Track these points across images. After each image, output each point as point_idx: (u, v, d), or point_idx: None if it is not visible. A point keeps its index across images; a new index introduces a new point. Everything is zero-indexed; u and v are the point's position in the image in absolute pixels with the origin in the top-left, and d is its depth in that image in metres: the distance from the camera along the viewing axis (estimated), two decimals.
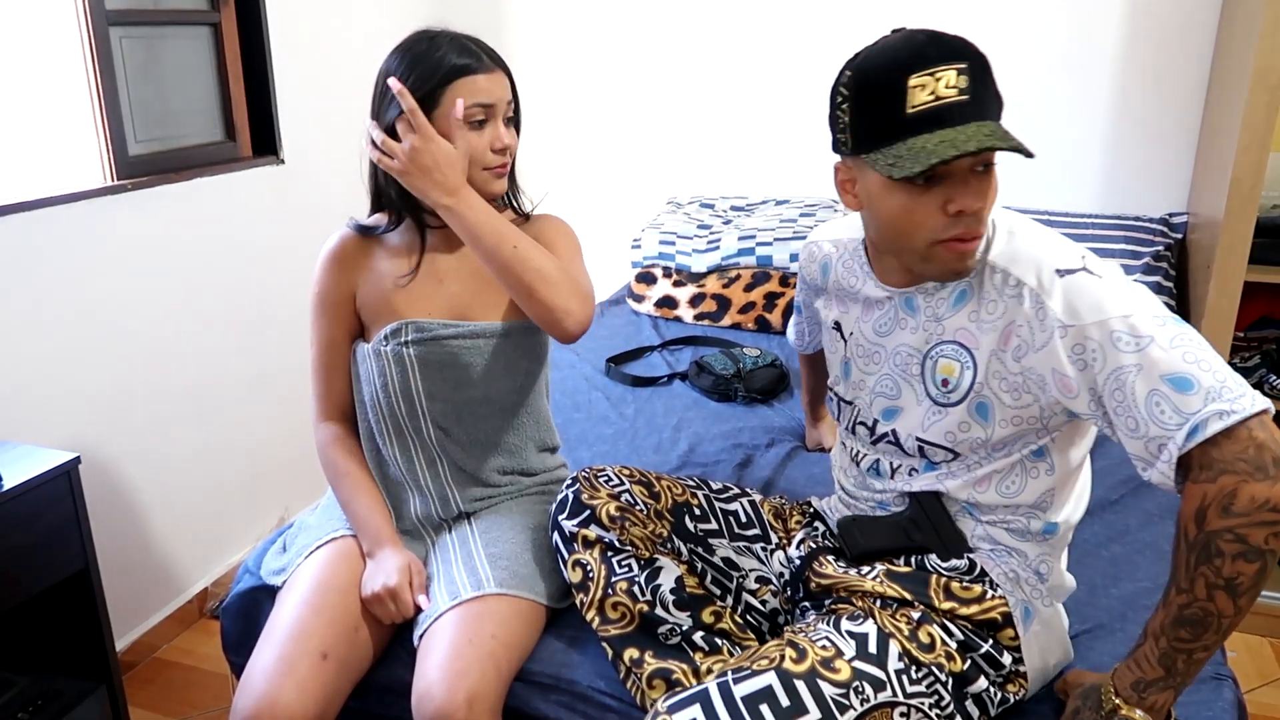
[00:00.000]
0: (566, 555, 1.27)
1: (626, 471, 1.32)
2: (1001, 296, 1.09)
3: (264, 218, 2.45)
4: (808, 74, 2.77)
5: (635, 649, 1.21)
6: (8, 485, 1.50)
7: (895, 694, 1.05)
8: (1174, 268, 2.38)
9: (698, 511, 1.33)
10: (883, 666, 1.06)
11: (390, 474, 1.46)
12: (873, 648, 1.07)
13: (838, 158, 1.15)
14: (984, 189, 1.05)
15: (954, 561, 1.18)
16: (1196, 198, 2.41)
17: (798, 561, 1.29)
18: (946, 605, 1.13)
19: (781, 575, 1.32)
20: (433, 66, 1.29)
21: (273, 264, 2.47)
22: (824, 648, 1.06)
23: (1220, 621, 0.95)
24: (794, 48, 2.78)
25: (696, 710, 1.01)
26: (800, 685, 1.02)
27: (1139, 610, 1.34)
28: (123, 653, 2.10)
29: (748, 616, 1.30)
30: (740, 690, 1.02)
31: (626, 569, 1.24)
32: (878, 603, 1.15)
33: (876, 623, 1.11)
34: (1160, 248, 2.35)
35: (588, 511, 1.26)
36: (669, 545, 1.27)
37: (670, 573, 1.24)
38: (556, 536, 1.29)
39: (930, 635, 1.11)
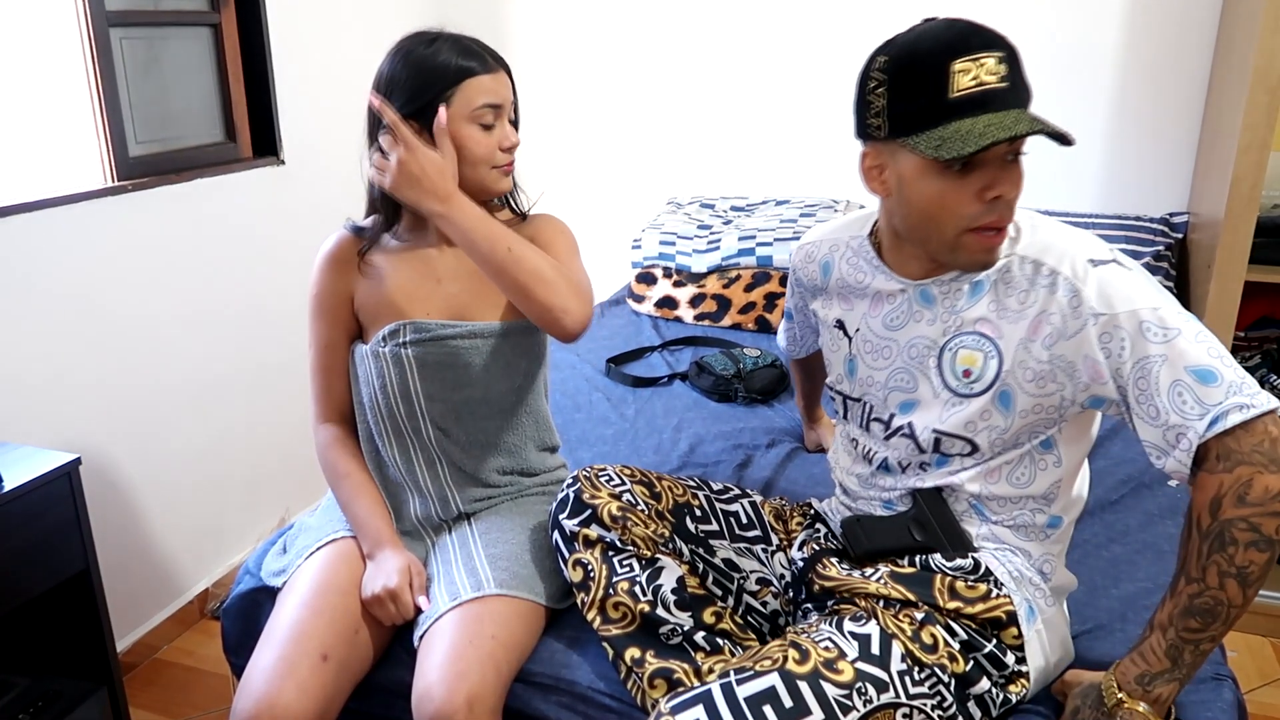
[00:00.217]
0: (567, 554, 1.27)
1: (627, 471, 1.31)
2: (1034, 286, 1.10)
3: (264, 218, 2.45)
4: (808, 74, 2.77)
5: (636, 649, 1.21)
6: (8, 486, 1.50)
7: (898, 695, 1.05)
8: (1174, 267, 2.39)
9: (699, 512, 1.33)
10: (885, 667, 1.06)
11: (390, 475, 1.46)
12: (875, 649, 1.08)
13: (861, 145, 1.14)
14: (1019, 176, 1.08)
15: (959, 561, 1.18)
16: (1197, 197, 2.41)
17: (800, 563, 1.29)
18: (951, 605, 1.14)
19: (782, 577, 1.32)
20: (438, 69, 1.29)
21: (273, 265, 2.47)
22: (827, 649, 1.06)
23: (1229, 611, 0.98)
24: (794, 48, 2.78)
25: (700, 711, 1.01)
26: (803, 686, 1.02)
27: (1139, 610, 1.34)
28: (123, 654, 2.09)
29: (748, 618, 1.30)
30: (743, 691, 1.02)
31: (628, 569, 1.24)
32: (880, 603, 1.15)
33: (879, 624, 1.11)
34: (1161, 247, 2.35)
35: (589, 511, 1.26)
36: (670, 545, 1.27)
37: (672, 573, 1.24)
38: (557, 536, 1.29)
39: (933, 636, 1.11)
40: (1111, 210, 2.58)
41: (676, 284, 2.67)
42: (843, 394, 1.32)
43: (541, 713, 1.26)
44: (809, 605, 1.26)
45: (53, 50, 1.97)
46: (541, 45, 3.05)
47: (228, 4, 2.36)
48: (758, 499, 1.41)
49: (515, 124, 1.39)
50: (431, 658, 1.21)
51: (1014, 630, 1.14)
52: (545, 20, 3.03)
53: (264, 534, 2.53)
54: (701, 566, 1.29)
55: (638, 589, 1.22)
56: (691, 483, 1.38)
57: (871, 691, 1.04)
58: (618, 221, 3.07)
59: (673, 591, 1.23)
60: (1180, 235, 2.43)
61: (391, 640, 1.35)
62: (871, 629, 1.10)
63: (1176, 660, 1.01)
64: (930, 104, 1.04)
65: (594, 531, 1.25)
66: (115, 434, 2.07)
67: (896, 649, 1.08)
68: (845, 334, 1.30)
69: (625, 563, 1.24)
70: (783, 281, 2.55)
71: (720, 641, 1.23)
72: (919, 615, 1.13)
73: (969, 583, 1.16)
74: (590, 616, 1.25)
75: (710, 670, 1.18)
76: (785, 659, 1.05)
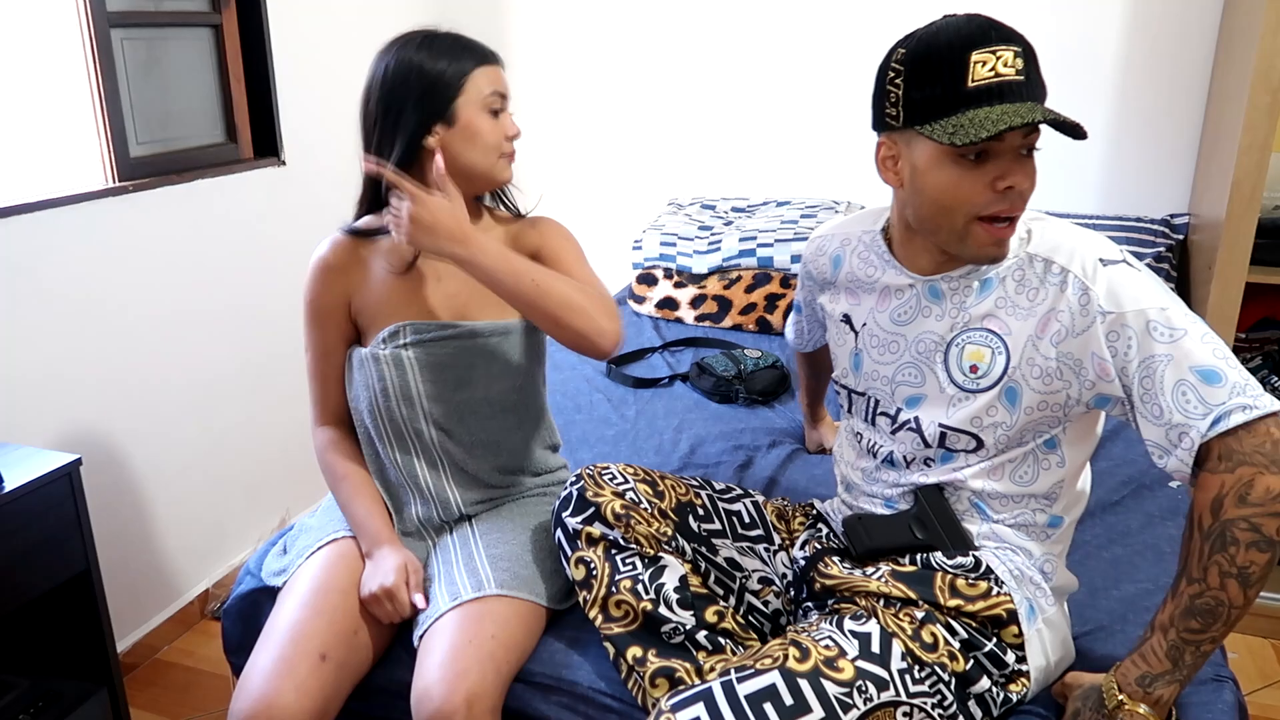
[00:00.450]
0: (570, 552, 1.27)
1: (631, 470, 1.31)
2: (1044, 284, 1.12)
3: (265, 219, 2.45)
4: (808, 75, 2.78)
5: (638, 647, 1.21)
6: (9, 487, 1.50)
7: (898, 693, 1.05)
8: (1175, 269, 2.39)
9: (701, 511, 1.33)
10: (886, 666, 1.06)
11: (391, 478, 1.45)
12: (876, 647, 1.08)
13: (877, 135, 1.16)
14: (1032, 170, 1.09)
15: (960, 559, 1.18)
16: (1198, 199, 2.41)
17: (802, 562, 1.29)
18: (952, 602, 1.14)
19: (784, 576, 1.32)
20: (445, 68, 1.30)
21: (274, 265, 2.47)
22: (827, 647, 1.06)
23: (1230, 612, 0.98)
24: (794, 49, 2.78)
25: (700, 709, 1.01)
26: (804, 684, 1.02)
27: (1139, 612, 1.34)
28: (124, 654, 2.09)
29: (750, 617, 1.30)
30: (744, 689, 1.02)
31: (630, 567, 1.23)
32: (881, 602, 1.15)
33: (879, 622, 1.11)
34: (1162, 248, 2.35)
35: (592, 509, 1.26)
36: (673, 544, 1.27)
37: (674, 571, 1.24)
38: (560, 533, 1.29)
39: (933, 635, 1.11)
40: (1112, 211, 2.58)
41: (677, 285, 2.67)
42: (847, 388, 1.33)
43: (542, 713, 1.26)
44: (810, 604, 1.26)
45: (54, 51, 1.97)
46: (541, 45, 3.05)
47: (229, 4, 2.37)
48: (760, 499, 1.41)
49: None
50: (431, 657, 1.21)
51: (1014, 628, 1.14)
52: (545, 20, 3.03)
53: (264, 534, 2.53)
54: (704, 565, 1.29)
55: (640, 587, 1.22)
56: (694, 482, 1.38)
57: (872, 690, 1.04)
58: (618, 222, 3.07)
59: (675, 590, 1.23)
60: (1181, 236, 2.43)
61: (391, 640, 1.35)
62: (872, 628, 1.10)
63: (1177, 661, 1.01)
64: (947, 92, 1.05)
65: (597, 529, 1.25)
66: (116, 434, 2.07)
67: (897, 647, 1.08)
68: (851, 328, 1.31)
69: (628, 561, 1.24)
70: (783, 283, 2.55)
71: (722, 641, 1.22)
72: (919, 614, 1.13)
73: (970, 580, 1.16)
74: (592, 615, 1.25)
75: (712, 669, 1.18)
76: (786, 657, 1.05)
